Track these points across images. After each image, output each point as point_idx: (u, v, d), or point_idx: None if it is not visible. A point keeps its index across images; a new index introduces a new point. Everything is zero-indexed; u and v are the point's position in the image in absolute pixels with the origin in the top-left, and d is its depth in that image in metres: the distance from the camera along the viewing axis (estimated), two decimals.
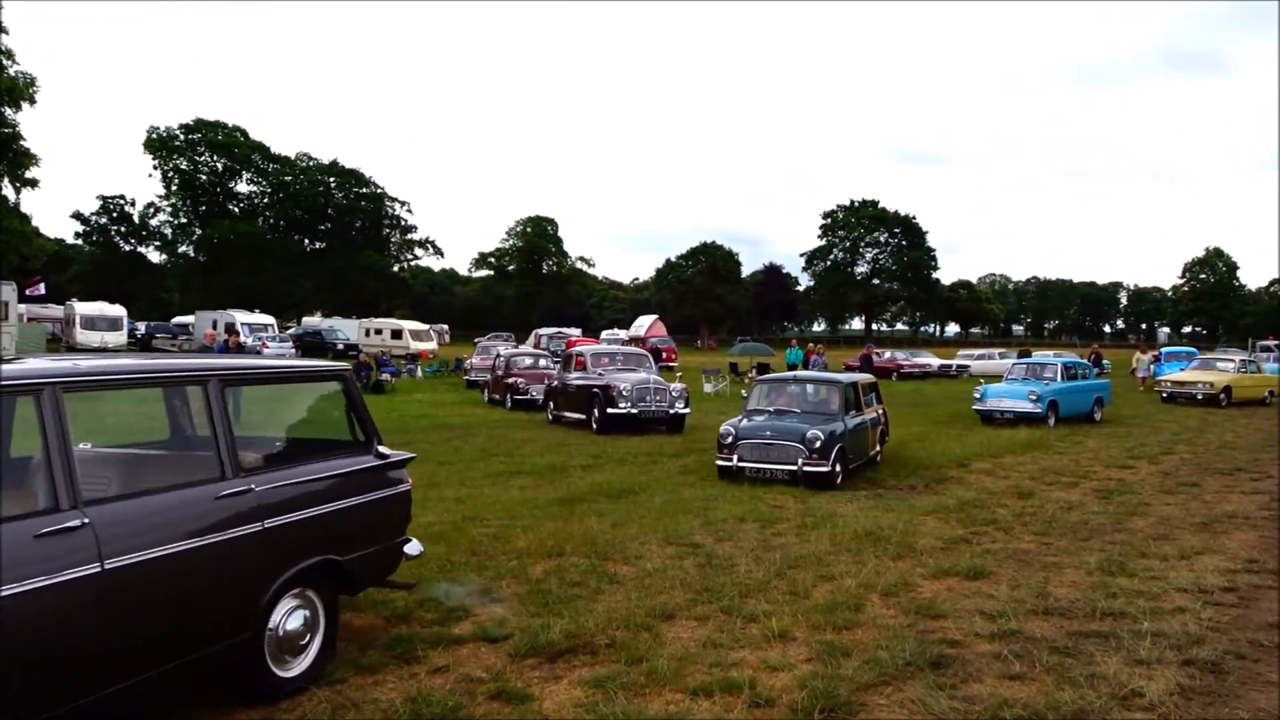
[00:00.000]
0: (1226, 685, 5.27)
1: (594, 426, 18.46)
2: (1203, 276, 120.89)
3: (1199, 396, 27.04)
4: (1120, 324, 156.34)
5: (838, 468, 11.84)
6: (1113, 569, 7.83)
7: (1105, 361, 39.09)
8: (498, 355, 28.18)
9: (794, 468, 11.70)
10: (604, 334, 61.53)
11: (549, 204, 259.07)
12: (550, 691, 5.07)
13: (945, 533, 9.35)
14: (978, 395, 21.91)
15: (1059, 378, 21.92)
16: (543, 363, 26.29)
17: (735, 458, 12.11)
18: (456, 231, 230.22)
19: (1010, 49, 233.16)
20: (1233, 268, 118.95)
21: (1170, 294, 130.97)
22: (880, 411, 14.62)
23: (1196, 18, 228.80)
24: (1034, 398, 20.55)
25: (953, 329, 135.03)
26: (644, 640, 5.82)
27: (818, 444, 11.65)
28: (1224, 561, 8.20)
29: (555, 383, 21.12)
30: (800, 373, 16.12)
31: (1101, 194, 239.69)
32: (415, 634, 5.95)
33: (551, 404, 20.93)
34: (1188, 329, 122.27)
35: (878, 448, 14.05)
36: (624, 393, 18.19)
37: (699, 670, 5.34)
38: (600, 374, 19.47)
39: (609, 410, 18.14)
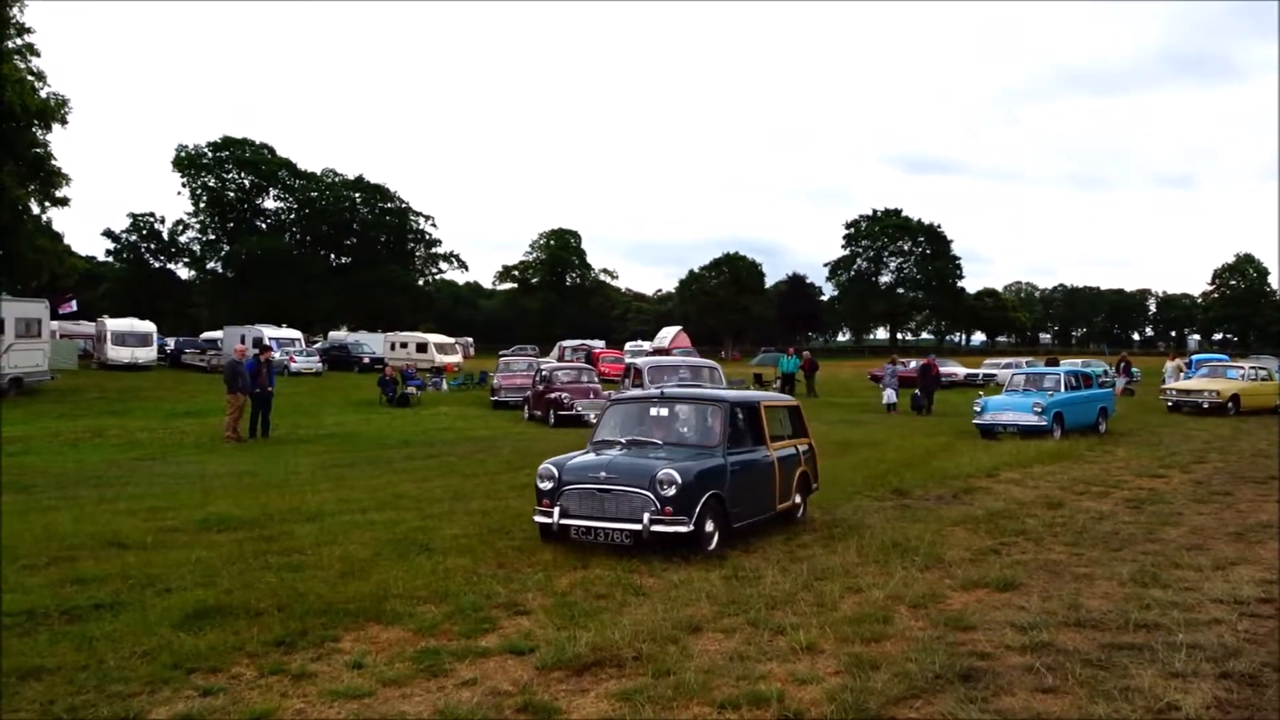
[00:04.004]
0: (1265, 698, 5.16)
1: None
2: (1233, 283, 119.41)
3: (1205, 405, 26.18)
4: (1149, 331, 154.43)
5: (709, 526, 8.53)
6: (1146, 580, 7.72)
7: (1135, 370, 38.59)
8: (538, 371, 26.77)
9: (638, 527, 8.27)
10: (628, 345, 61.62)
11: (569, 217, 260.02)
12: (577, 704, 5.06)
13: (974, 543, 9.26)
14: (977, 409, 20.83)
15: (1062, 388, 20.90)
16: (585, 377, 25.63)
17: (557, 511, 8.68)
18: (480, 245, 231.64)
19: (1027, 55, 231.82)
20: (1263, 274, 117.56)
21: (1200, 300, 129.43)
22: (801, 448, 10.63)
23: (1207, 21, 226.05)
24: (1038, 409, 19.70)
25: (979, 338, 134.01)
26: (671, 653, 5.80)
27: (672, 490, 8.21)
28: (1260, 572, 8.06)
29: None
30: (672, 389, 11.96)
31: (1128, 200, 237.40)
32: (443, 646, 5.96)
33: None
34: (1218, 336, 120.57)
35: (796, 499, 10.28)
36: None
37: (726, 683, 5.31)
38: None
39: None
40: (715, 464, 8.83)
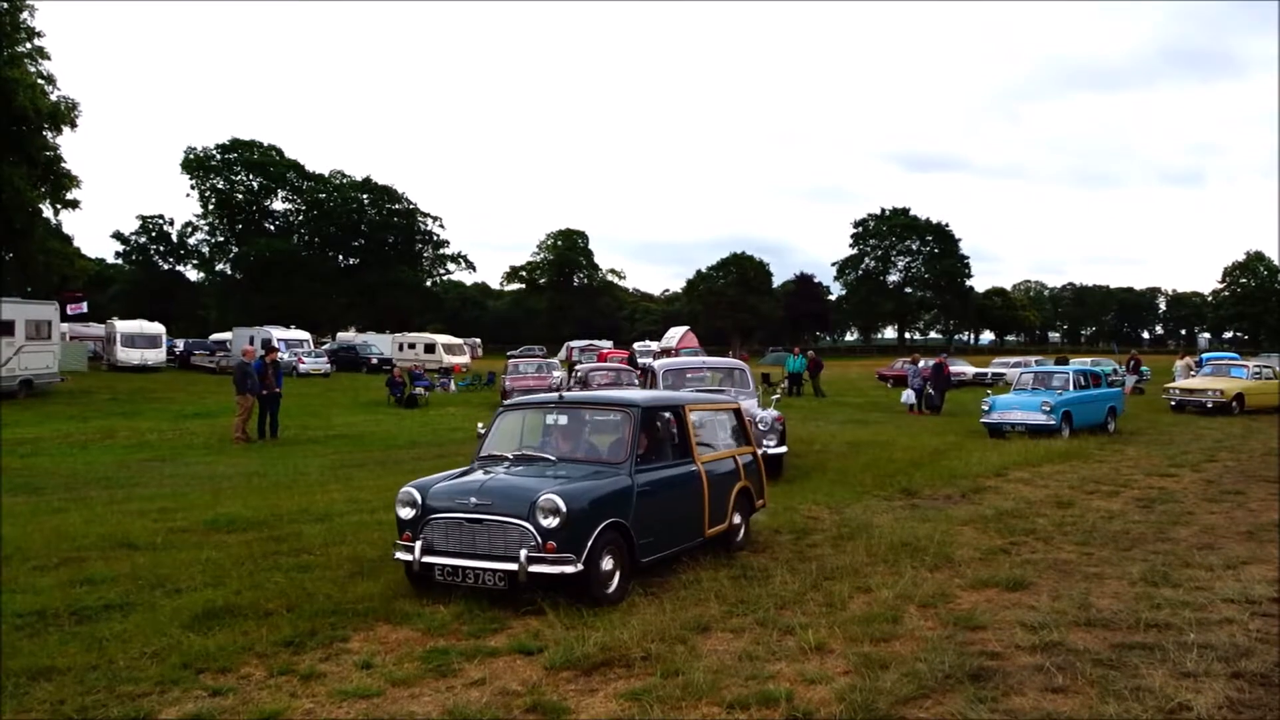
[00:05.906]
0: (1277, 698, 5.13)
1: None
2: (1243, 280, 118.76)
3: (1209, 405, 25.85)
4: (1159, 329, 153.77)
5: (607, 564, 6.90)
6: (1156, 579, 7.68)
7: (1145, 369, 38.39)
8: (573, 370, 25.07)
9: (514, 568, 6.61)
10: (635, 345, 61.58)
11: (576, 218, 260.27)
12: (586, 704, 5.05)
13: (983, 543, 9.22)
14: (985, 407, 20.78)
15: (1071, 386, 20.77)
16: (624, 378, 24.46)
17: (419, 547, 6.95)
18: (487, 246, 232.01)
19: (1026, 52, 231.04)
20: (1274, 271, 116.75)
21: (1210, 299, 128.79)
22: (742, 459, 9.08)
23: (1207, 18, 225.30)
24: (1047, 408, 19.59)
25: (988, 336, 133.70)
26: (679, 653, 5.79)
27: (554, 521, 6.58)
28: (1271, 571, 8.01)
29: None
30: (572, 393, 10.63)
31: (1135, 198, 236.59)
32: (452, 646, 5.96)
33: None
34: (1229, 334, 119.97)
35: (734, 520, 8.70)
36: None
37: (735, 683, 5.30)
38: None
39: None
40: (616, 485, 7.17)
